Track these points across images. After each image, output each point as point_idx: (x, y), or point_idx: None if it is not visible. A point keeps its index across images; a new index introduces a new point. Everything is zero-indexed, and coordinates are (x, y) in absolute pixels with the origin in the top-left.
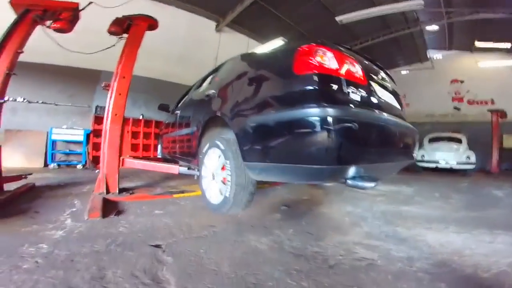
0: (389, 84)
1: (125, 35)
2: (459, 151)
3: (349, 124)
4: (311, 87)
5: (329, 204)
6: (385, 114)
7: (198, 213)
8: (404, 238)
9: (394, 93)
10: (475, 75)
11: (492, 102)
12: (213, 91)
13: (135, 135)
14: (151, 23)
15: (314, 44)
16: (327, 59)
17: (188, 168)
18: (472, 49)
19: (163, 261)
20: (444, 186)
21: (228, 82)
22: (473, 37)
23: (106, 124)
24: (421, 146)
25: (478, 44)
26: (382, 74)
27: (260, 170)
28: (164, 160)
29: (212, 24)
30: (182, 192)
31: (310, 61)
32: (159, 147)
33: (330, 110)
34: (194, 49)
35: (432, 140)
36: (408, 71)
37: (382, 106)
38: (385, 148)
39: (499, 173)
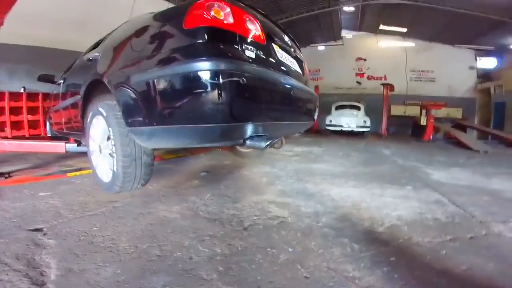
0: (292, 50)
1: None
2: (358, 117)
3: (242, 80)
4: (200, 41)
5: (249, 167)
6: (283, 75)
7: (97, 191)
8: (312, 194)
9: (297, 59)
10: (375, 54)
11: (385, 78)
12: (97, 53)
13: (16, 111)
14: None
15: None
16: (223, 14)
17: (78, 145)
18: (376, 31)
19: (42, 244)
20: (346, 146)
21: (113, 43)
22: (379, 20)
23: None
24: (329, 112)
25: (382, 27)
26: (287, 39)
27: (148, 135)
28: (54, 139)
29: None
30: (79, 169)
31: (203, 15)
32: (47, 124)
33: (221, 64)
34: (97, 14)
35: (338, 108)
36: (324, 48)
37: (281, 67)
38: (283, 108)
39: (388, 135)
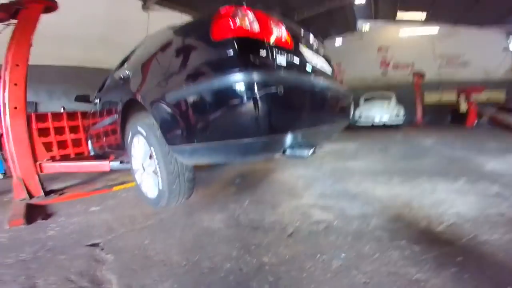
0: (318, 49)
1: (14, 21)
2: (390, 108)
3: (278, 89)
4: (231, 53)
5: (281, 170)
6: (315, 77)
7: (142, 203)
8: (355, 195)
9: (325, 57)
10: (398, 43)
11: (412, 66)
12: (127, 72)
13: (59, 131)
14: (49, 5)
15: (233, 6)
16: (248, 22)
17: (121, 162)
18: (394, 18)
19: (102, 260)
20: (381, 140)
21: (142, 60)
22: (395, 7)
23: (5, 120)
24: (358, 106)
25: (400, 14)
26: (312, 38)
27: (190, 153)
28: (97, 157)
29: (138, 3)
30: (123, 183)
31: (229, 25)
32: (89, 143)
33: (256, 75)
34: (117, 30)
35: (367, 100)
36: (341, 42)
37: (312, 70)
38: (319, 112)
39: (423, 125)
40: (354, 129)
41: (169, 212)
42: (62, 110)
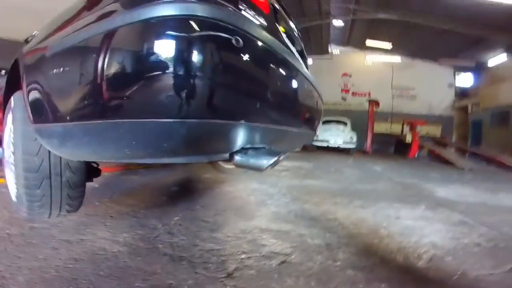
0: (297, 40)
1: None
2: (345, 132)
3: (234, 38)
4: None
5: (232, 182)
6: (293, 60)
7: None
8: (315, 218)
9: (301, 54)
10: (360, 70)
11: (369, 94)
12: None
13: None
14: None
15: None
16: None
17: None
18: (363, 47)
19: None
20: (335, 162)
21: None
22: (366, 36)
23: None
24: None
25: (369, 42)
26: (292, 25)
27: (61, 137)
28: None
29: None
30: None
31: None
32: None
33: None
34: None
35: (324, 123)
36: (312, 62)
37: (288, 51)
38: (290, 105)
39: (372, 152)
40: (308, 149)
41: (53, 220)
42: None
